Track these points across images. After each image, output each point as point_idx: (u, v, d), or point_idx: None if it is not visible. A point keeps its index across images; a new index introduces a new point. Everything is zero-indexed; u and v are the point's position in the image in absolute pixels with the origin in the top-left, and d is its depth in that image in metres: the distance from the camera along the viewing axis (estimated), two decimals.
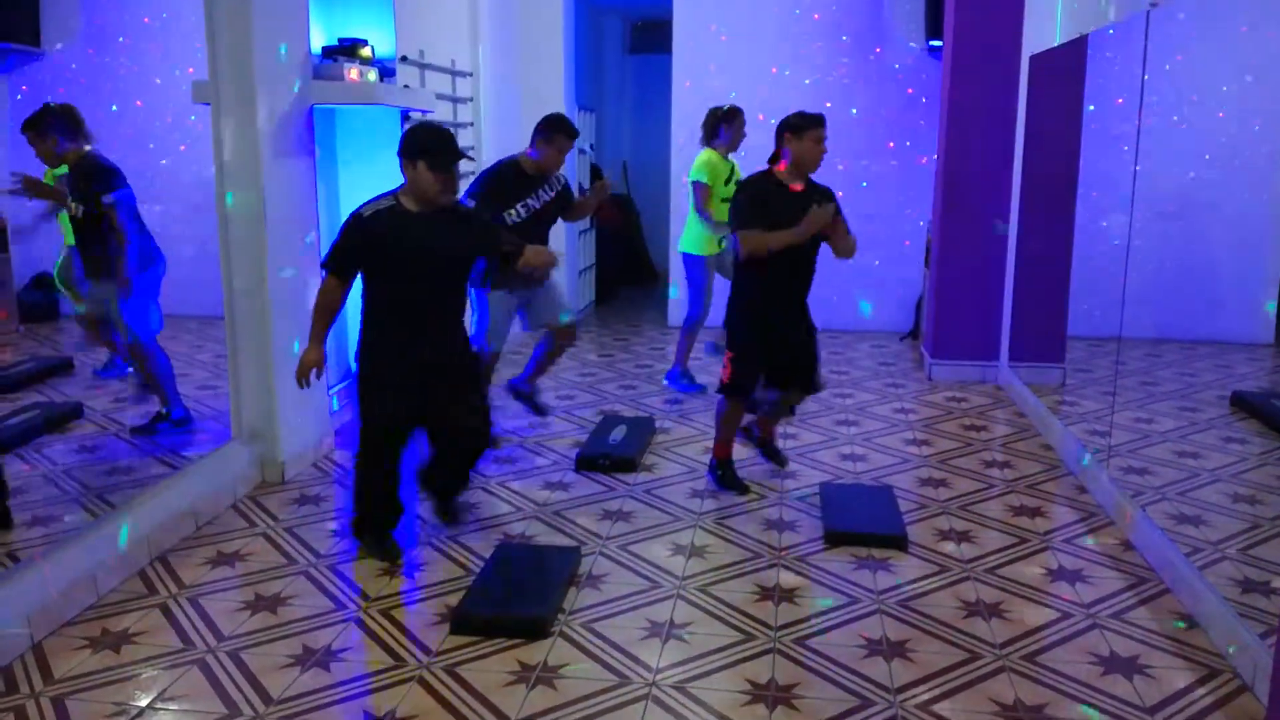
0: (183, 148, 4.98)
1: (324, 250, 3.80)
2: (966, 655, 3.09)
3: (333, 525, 4.06)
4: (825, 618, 3.33)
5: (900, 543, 3.87)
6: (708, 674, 2.98)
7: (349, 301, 3.61)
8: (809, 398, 4.66)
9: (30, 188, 4.46)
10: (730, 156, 5.84)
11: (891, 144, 7.92)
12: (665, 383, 6.25)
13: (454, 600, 3.35)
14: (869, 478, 4.69)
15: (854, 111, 7.85)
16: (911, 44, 7.81)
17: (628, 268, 10.26)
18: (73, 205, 4.42)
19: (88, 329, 5.13)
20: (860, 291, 8.03)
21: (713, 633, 3.22)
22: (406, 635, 3.20)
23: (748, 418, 4.59)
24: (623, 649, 3.11)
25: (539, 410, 5.33)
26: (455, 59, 6.43)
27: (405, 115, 5.59)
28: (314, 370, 3.51)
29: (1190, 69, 5.72)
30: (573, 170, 7.98)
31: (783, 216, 4.03)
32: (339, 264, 3.50)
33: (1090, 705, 2.82)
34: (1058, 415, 5.31)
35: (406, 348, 3.55)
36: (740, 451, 4.68)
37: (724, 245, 5.79)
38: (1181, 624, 3.28)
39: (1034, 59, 5.98)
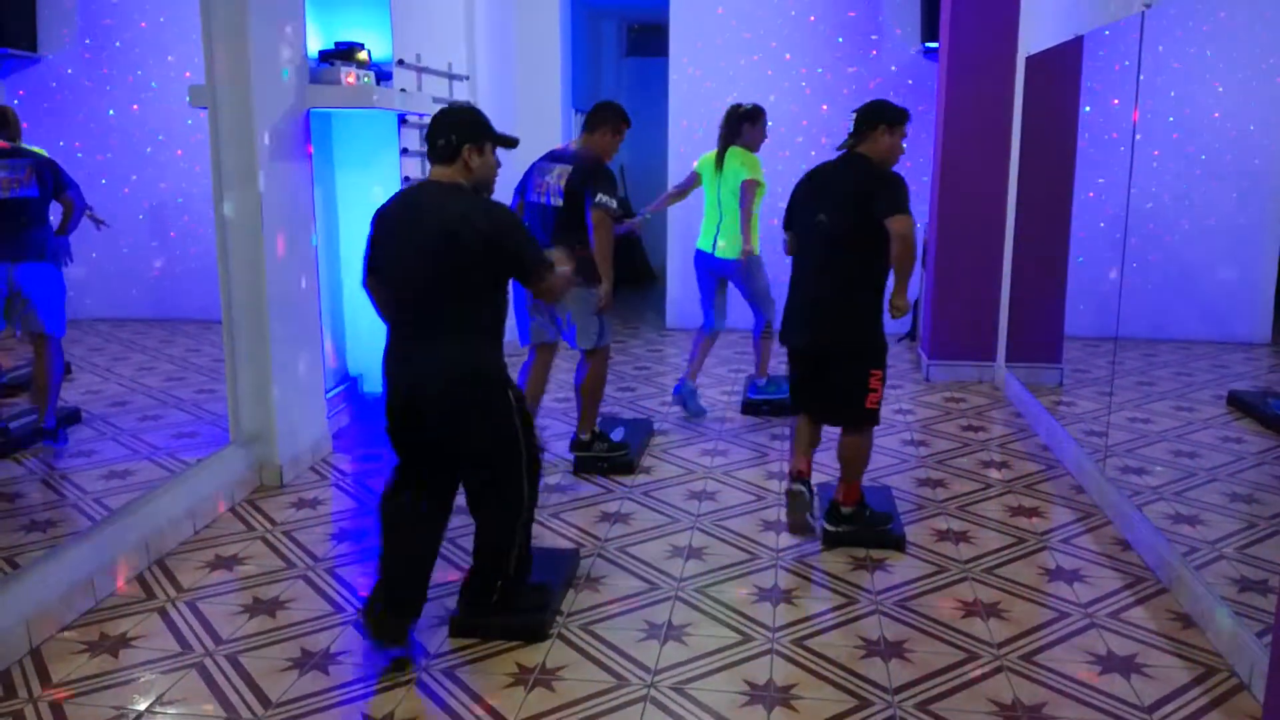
0: (179, 152, 4.98)
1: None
2: (964, 655, 3.09)
3: (331, 529, 4.06)
4: (823, 618, 3.34)
5: (898, 543, 3.88)
6: (706, 675, 2.98)
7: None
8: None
9: None
10: None
11: None
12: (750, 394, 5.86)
13: (452, 603, 3.35)
14: (867, 478, 4.67)
15: (850, 114, 7.82)
16: (909, 48, 7.82)
17: (625, 269, 10.25)
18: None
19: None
20: None
21: (711, 634, 3.22)
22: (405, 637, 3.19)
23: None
24: (621, 650, 3.11)
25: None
26: (452, 62, 6.43)
27: (402, 119, 5.59)
28: None
29: (1188, 69, 5.73)
30: None
31: None
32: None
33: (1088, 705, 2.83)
34: (1055, 415, 5.31)
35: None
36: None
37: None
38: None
39: (1030, 60, 5.99)
